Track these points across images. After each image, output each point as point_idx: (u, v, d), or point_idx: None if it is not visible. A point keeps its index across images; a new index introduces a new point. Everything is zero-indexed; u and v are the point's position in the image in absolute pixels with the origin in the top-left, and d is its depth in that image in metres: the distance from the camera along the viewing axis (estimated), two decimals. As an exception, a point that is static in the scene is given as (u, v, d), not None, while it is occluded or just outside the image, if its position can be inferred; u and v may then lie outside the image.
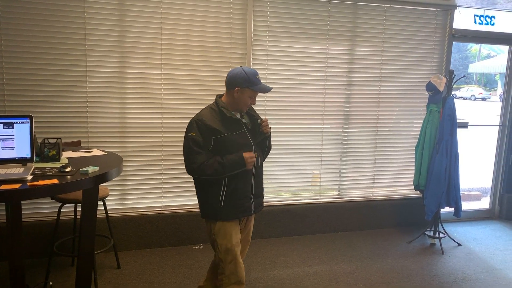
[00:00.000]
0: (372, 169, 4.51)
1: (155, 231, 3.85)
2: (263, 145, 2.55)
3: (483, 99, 23.63)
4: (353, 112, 4.35)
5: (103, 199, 3.22)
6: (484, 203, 5.32)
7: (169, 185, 3.90)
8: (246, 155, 2.31)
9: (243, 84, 2.33)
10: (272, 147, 2.64)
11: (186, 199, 3.95)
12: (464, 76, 3.99)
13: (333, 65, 4.19)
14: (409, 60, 4.43)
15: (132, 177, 3.79)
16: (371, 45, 4.30)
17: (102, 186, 3.10)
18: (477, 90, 24.48)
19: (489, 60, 21.19)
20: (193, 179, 2.46)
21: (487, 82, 27.63)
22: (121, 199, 3.81)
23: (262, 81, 2.42)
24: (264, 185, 2.61)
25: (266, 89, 2.39)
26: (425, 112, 4.20)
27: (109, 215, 3.37)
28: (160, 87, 3.75)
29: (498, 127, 5.03)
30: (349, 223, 4.43)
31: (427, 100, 4.20)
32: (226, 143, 2.33)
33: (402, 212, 4.61)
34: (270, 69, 4.01)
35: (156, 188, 3.87)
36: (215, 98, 2.48)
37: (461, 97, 23.01)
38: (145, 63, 3.69)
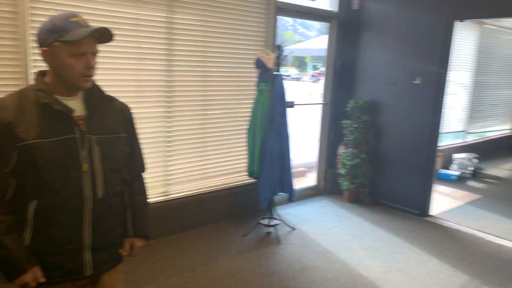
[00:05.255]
0: (202, 157, 3.94)
1: None
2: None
3: (297, 79, 26.16)
4: (176, 93, 3.66)
5: None
6: (311, 180, 5.40)
7: None
8: (27, 277, 1.36)
9: (49, 38, 1.33)
10: None
11: None
12: (291, 52, 3.69)
13: (148, 34, 3.39)
14: (236, 33, 3.95)
15: None
16: (193, 13, 3.64)
17: None
18: (293, 71, 26.92)
19: (300, 43, 23.41)
20: None
21: (300, 64, 30.78)
22: None
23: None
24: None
25: (85, 32, 1.32)
26: (256, 92, 3.81)
27: None
28: None
29: (321, 105, 5.08)
30: (177, 224, 3.79)
31: (257, 79, 3.81)
32: (35, 158, 1.33)
33: (237, 202, 4.21)
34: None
35: None
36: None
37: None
38: None
